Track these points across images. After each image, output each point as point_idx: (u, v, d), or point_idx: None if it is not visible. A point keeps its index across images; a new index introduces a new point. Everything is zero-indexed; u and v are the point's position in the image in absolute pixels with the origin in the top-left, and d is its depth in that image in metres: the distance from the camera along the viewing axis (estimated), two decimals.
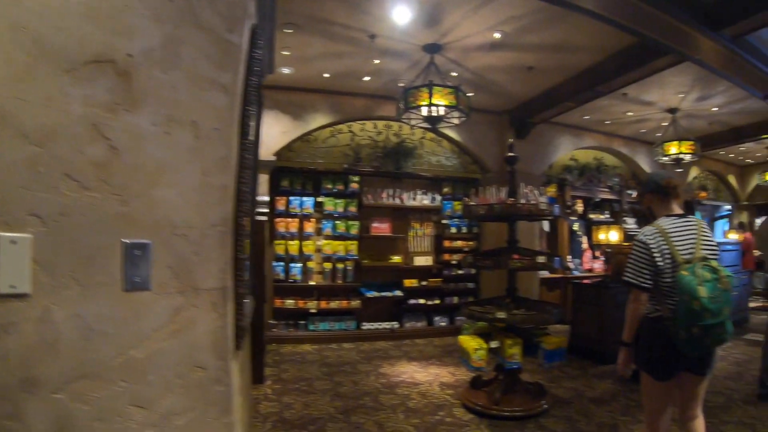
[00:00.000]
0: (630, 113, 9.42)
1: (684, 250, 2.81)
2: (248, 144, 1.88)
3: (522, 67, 7.20)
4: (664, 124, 9.74)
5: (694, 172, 12.92)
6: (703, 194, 13.31)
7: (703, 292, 2.58)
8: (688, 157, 9.15)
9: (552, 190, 5.10)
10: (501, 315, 4.82)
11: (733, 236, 13.09)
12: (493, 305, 5.24)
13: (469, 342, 4.91)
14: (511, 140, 5.51)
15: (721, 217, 14.35)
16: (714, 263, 2.73)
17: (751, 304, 11.17)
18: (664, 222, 2.95)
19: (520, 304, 5.17)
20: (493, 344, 4.86)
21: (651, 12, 5.14)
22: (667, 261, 2.81)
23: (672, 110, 9.15)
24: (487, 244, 8.99)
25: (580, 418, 4.72)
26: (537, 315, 4.94)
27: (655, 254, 2.83)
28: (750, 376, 6.33)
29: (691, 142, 9.07)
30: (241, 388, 2.03)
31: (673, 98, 8.56)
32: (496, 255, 5.25)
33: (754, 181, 14.35)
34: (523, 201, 4.96)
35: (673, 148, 9.12)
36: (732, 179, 14.57)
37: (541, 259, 4.96)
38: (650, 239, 2.87)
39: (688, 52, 5.99)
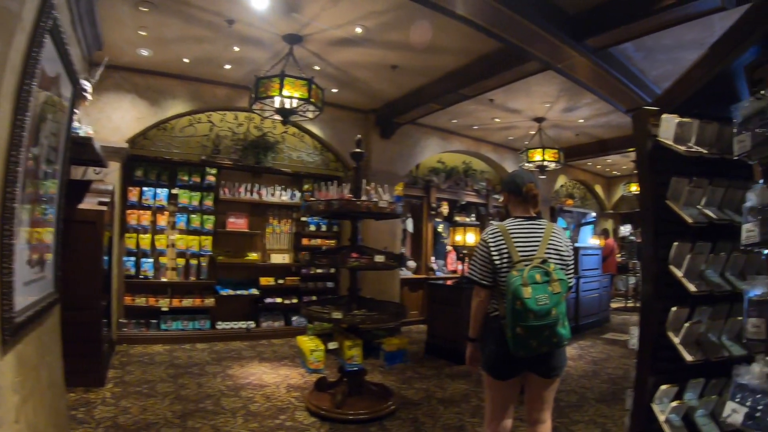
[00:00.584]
0: (497, 119, 9.57)
1: (524, 251, 2.81)
2: (24, 122, 1.80)
3: (386, 66, 7.04)
4: (532, 133, 10.01)
5: (561, 180, 13.52)
6: (570, 201, 13.98)
7: (527, 293, 2.57)
8: (552, 165, 9.44)
9: (399, 189, 4.99)
10: (337, 315, 4.62)
11: (596, 242, 13.88)
12: (334, 305, 5.07)
13: (306, 343, 4.73)
14: (359, 136, 5.26)
15: (587, 224, 15.18)
16: (551, 266, 2.71)
17: (613, 305, 11.85)
18: (509, 222, 2.97)
19: (363, 305, 5.00)
20: (332, 345, 4.73)
21: (514, 18, 5.07)
22: (504, 260, 2.80)
23: (539, 119, 9.40)
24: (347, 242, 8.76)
25: (426, 420, 4.65)
26: (376, 315, 4.74)
27: (493, 252, 2.84)
28: (605, 374, 6.57)
29: (555, 150, 9.37)
30: (33, 388, 1.90)
31: (540, 107, 8.77)
32: (334, 253, 5.08)
33: (620, 191, 15.29)
34: (364, 198, 4.77)
35: (537, 156, 9.37)
36: (599, 189, 15.45)
37: (379, 258, 4.76)
38: (491, 237, 2.88)
39: (551, 60, 6.05)
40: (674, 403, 2.40)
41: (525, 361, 2.74)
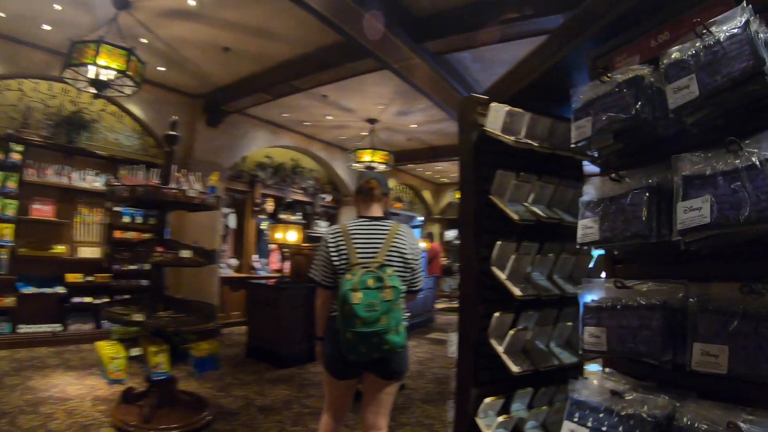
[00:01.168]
0: (330, 117, 9.34)
1: (364, 253, 2.74)
2: None
3: (218, 47, 6.51)
4: (364, 134, 9.90)
5: (391, 183, 13.68)
6: (398, 204, 14.17)
7: (356, 298, 2.51)
8: (381, 167, 9.40)
9: (215, 179, 4.52)
10: (139, 317, 4.03)
11: (422, 245, 14.28)
12: (138, 306, 4.43)
13: (106, 349, 4.07)
14: (175, 117, 4.68)
15: (414, 227, 15.54)
16: (389, 271, 2.63)
17: (438, 306, 12.19)
18: (351, 222, 2.90)
19: (172, 305, 4.44)
20: (135, 351, 4.18)
21: (357, 11, 4.81)
22: (343, 261, 2.74)
23: (372, 120, 9.33)
24: (173, 236, 7.91)
25: (244, 431, 4.29)
26: (184, 317, 4.23)
27: (332, 253, 2.78)
28: (431, 374, 6.54)
29: (385, 153, 9.37)
30: None
31: (374, 109, 8.69)
32: (137, 247, 4.50)
33: (448, 198, 15.91)
34: (173, 186, 4.22)
35: (366, 156, 9.30)
36: (427, 194, 15.95)
37: (185, 253, 4.28)
38: (331, 237, 2.83)
39: (390, 60, 5.93)
40: (501, 418, 2.16)
41: (362, 363, 2.69)
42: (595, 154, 1.79)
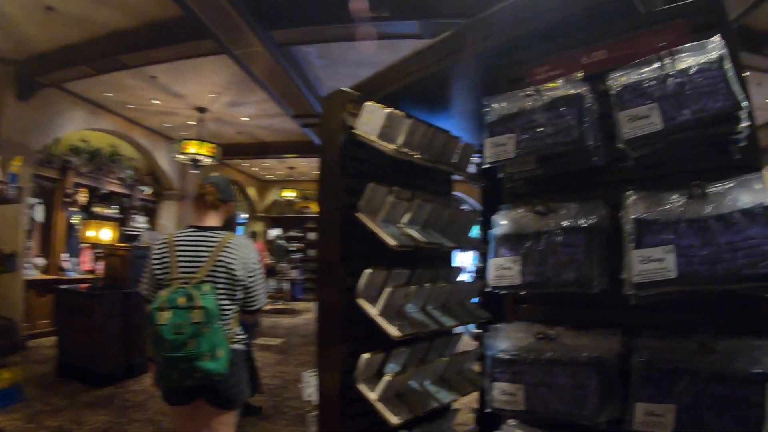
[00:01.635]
0: (157, 101, 8.38)
1: (186, 267, 2.41)
2: None
3: (40, 4, 5.33)
4: (192, 123, 9.07)
5: None
6: None
7: (163, 318, 2.20)
8: (207, 161, 8.72)
9: (17, 164, 3.63)
10: None
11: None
12: None
13: None
14: None
15: (239, 224, 14.86)
16: (205, 289, 2.29)
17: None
18: (180, 232, 2.59)
19: None
20: None
21: None
22: (166, 276, 2.42)
23: (202, 109, 8.59)
24: None
25: None
26: None
27: (155, 265, 2.47)
28: (263, 385, 5.99)
29: (213, 145, 8.70)
30: None
31: (205, 97, 8.02)
32: None
33: (273, 196, 15.39)
34: None
35: (192, 148, 8.54)
36: (252, 191, 15.27)
37: None
38: (156, 248, 2.54)
39: (231, 44, 5.43)
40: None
41: (195, 388, 2.39)
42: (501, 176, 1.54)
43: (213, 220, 2.64)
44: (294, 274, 14.44)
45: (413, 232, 2.00)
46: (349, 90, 2.12)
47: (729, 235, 1.05)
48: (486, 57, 1.80)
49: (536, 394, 1.33)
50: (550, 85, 1.42)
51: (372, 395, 1.81)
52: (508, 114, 1.45)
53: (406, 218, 2.04)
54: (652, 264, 1.11)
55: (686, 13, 1.37)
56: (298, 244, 15.88)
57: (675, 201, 1.14)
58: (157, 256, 2.49)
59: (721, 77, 1.14)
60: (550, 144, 1.35)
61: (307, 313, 12.60)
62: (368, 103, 2.02)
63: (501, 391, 1.37)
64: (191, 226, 2.62)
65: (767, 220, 1.06)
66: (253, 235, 14.04)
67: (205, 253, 2.45)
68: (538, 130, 1.37)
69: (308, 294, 14.90)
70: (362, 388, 1.86)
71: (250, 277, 2.51)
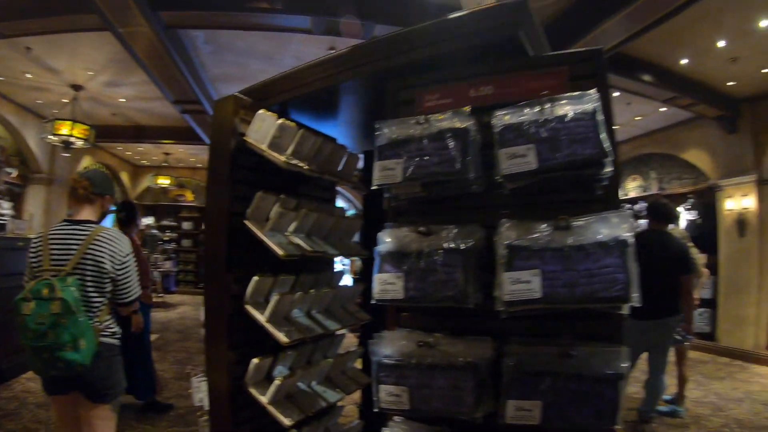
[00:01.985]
0: (29, 75, 7.72)
1: (57, 260, 2.48)
2: None
3: None
4: (66, 101, 8.41)
5: (87, 161, 11.99)
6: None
7: (27, 309, 2.29)
8: (79, 143, 8.19)
9: None
10: None
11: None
12: None
13: None
14: None
15: (110, 212, 13.88)
16: (69, 281, 2.38)
17: None
18: (55, 225, 2.65)
19: None
20: None
21: None
22: (39, 268, 2.48)
23: (77, 87, 8.02)
24: None
25: None
26: None
27: (31, 258, 2.54)
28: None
29: (86, 127, 8.17)
30: None
31: (82, 74, 7.52)
32: None
33: (146, 182, 14.61)
34: None
35: (65, 129, 7.95)
36: (125, 176, 14.43)
37: None
38: (33, 241, 2.60)
39: (115, 21, 5.15)
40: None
41: (65, 378, 2.45)
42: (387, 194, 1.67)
43: (87, 213, 2.66)
44: (168, 265, 13.84)
45: (299, 241, 2.07)
46: (242, 96, 2.14)
47: (587, 263, 1.25)
48: (378, 77, 1.90)
49: (419, 394, 1.49)
50: (439, 116, 1.55)
51: (263, 399, 1.87)
52: (398, 139, 1.57)
53: (292, 227, 2.10)
54: (521, 285, 1.28)
55: (569, 62, 1.57)
56: (171, 234, 15.24)
57: (543, 230, 1.33)
58: (33, 249, 2.55)
59: (593, 127, 1.33)
60: (434, 172, 1.49)
61: (182, 306, 12.12)
62: (261, 112, 2.05)
63: (387, 393, 1.51)
64: (65, 220, 2.66)
65: (620, 251, 1.27)
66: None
67: (75, 247, 2.50)
68: (425, 158, 1.50)
69: (182, 286, 14.39)
70: (253, 392, 1.91)
71: (119, 269, 2.55)
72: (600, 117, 1.35)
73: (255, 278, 1.99)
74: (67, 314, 2.29)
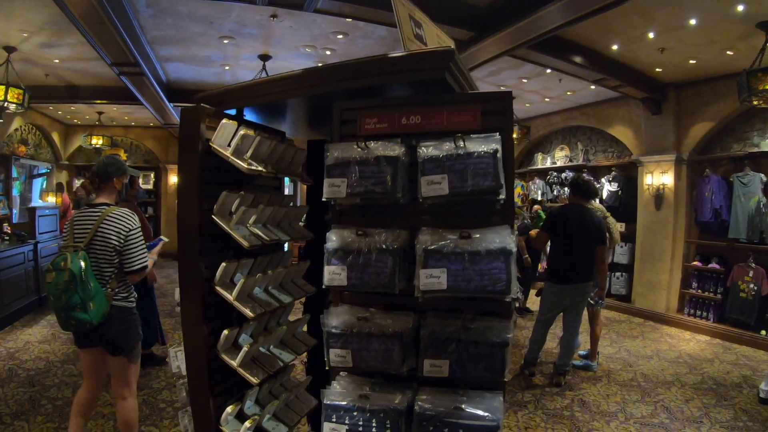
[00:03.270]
0: None
1: (78, 238, 3.09)
2: None
3: None
4: None
5: (18, 122, 11.56)
6: (23, 149, 12.05)
7: (49, 278, 2.93)
8: (12, 107, 7.99)
9: None
10: None
11: (52, 199, 12.56)
12: None
13: None
14: None
15: (40, 175, 13.43)
16: (80, 255, 2.97)
17: None
18: (81, 210, 3.28)
19: None
20: None
21: None
22: (65, 244, 3.10)
23: (10, 49, 7.72)
24: None
25: None
26: None
27: (63, 237, 3.20)
28: None
29: (21, 91, 7.97)
30: None
31: (16, 35, 7.25)
32: None
33: (78, 141, 14.15)
34: None
35: None
36: (56, 136, 13.93)
37: None
38: (65, 225, 3.22)
39: None
40: (248, 423, 2.29)
41: (92, 335, 3.11)
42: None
43: (102, 197, 3.31)
44: None
45: (259, 231, 2.43)
46: (206, 106, 2.41)
47: (480, 265, 1.75)
48: (326, 96, 2.31)
49: (359, 355, 2.00)
50: (376, 145, 1.99)
51: (233, 362, 2.28)
52: (342, 161, 2.01)
53: (252, 219, 2.45)
54: (432, 279, 1.77)
55: (483, 100, 2.04)
56: None
57: (450, 239, 1.81)
58: (65, 230, 3.21)
59: (493, 164, 1.81)
60: (371, 190, 1.95)
61: None
62: (224, 121, 2.36)
63: (335, 355, 2.02)
64: (86, 204, 3.35)
65: (504, 257, 1.77)
66: (60, 187, 12.89)
67: (89, 227, 3.10)
68: (364, 178, 1.95)
69: None
70: (225, 357, 2.32)
71: (125, 243, 3.14)
72: (499, 155, 1.82)
73: (223, 264, 2.34)
74: (74, 282, 2.88)
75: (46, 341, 6.53)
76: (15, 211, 11.28)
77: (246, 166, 2.29)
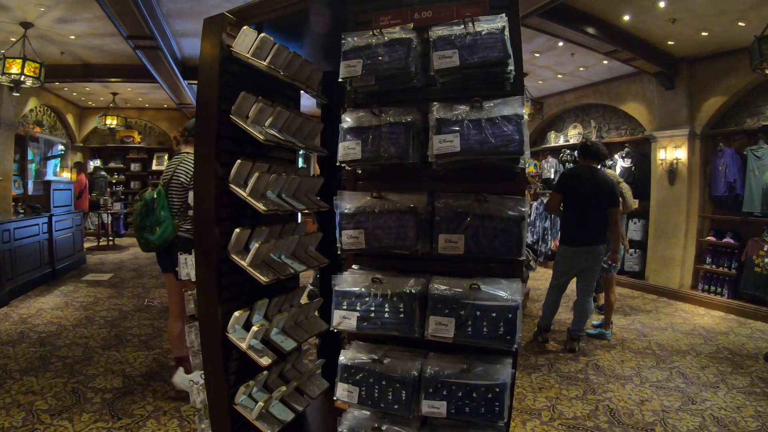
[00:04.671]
0: None
1: (165, 176, 4.01)
2: None
3: None
4: (14, 39, 8.13)
5: (33, 103, 11.69)
6: (38, 129, 12.20)
7: (135, 206, 3.79)
8: (30, 82, 8.01)
9: None
10: None
11: (67, 176, 12.76)
12: None
13: None
14: None
15: (54, 157, 13.61)
16: (153, 189, 3.83)
17: (86, 245, 11.04)
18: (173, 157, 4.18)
19: None
20: None
21: None
22: (156, 182, 4.13)
23: (26, 24, 7.77)
24: None
25: None
26: None
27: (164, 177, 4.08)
28: (101, 319, 6.12)
29: (37, 65, 7.96)
30: None
31: (33, 10, 7.28)
32: None
33: (93, 123, 14.34)
34: None
35: (15, 68, 7.74)
36: (71, 119, 14.13)
37: None
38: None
39: None
40: (255, 328, 2.30)
41: (160, 257, 4.00)
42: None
43: (187, 148, 4.08)
44: (117, 207, 13.85)
45: (274, 132, 2.46)
46: (229, 14, 2.45)
47: (493, 129, 1.77)
48: (341, 3, 2.34)
49: (372, 235, 2.00)
50: (390, 29, 2.03)
51: (243, 262, 2.29)
52: (358, 46, 2.04)
53: (268, 122, 2.47)
54: (446, 143, 1.81)
55: None
56: (119, 176, 15.25)
57: (462, 109, 1.84)
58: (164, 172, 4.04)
59: (501, 39, 1.84)
60: (385, 69, 1.98)
61: (133, 248, 12.23)
62: (245, 28, 2.40)
63: (348, 236, 2.03)
64: (175, 152, 4.20)
65: (516, 122, 1.79)
66: (79, 167, 13.08)
67: (171, 168, 3.98)
68: (379, 58, 1.98)
69: (132, 229, 14.50)
70: (235, 258, 2.34)
71: (191, 181, 3.71)
72: (506, 33, 1.85)
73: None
74: (146, 208, 3.74)
75: (59, 308, 6.64)
76: (30, 182, 11.43)
77: (265, 65, 2.33)
